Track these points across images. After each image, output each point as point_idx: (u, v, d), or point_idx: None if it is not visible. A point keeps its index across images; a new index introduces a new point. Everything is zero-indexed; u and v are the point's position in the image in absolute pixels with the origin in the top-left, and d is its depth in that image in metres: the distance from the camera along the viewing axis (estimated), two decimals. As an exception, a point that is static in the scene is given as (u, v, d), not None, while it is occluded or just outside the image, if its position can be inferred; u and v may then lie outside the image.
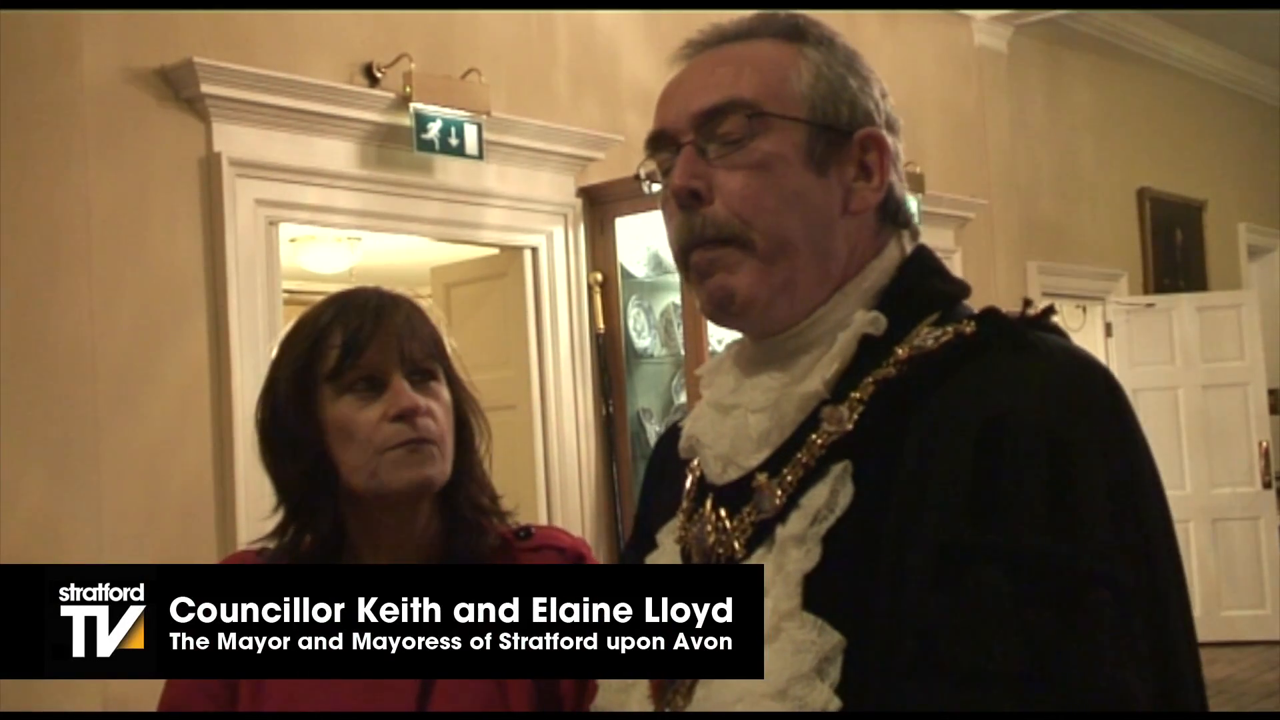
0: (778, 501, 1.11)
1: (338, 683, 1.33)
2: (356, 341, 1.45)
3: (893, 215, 1.21)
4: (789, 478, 1.11)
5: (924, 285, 1.18)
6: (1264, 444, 7.69)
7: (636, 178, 1.25)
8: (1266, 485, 7.70)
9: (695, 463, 1.24)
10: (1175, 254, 8.38)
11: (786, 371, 1.16)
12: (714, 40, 1.22)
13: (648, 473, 1.43)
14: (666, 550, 1.23)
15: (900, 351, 1.12)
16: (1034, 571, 0.97)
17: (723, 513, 1.16)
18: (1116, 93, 8.06)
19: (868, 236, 1.19)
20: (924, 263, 1.21)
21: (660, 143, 1.20)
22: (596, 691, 1.25)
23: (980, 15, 6.81)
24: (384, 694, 1.38)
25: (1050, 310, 1.12)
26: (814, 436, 1.11)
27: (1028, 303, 1.13)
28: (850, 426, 1.10)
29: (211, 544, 3.54)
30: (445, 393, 1.50)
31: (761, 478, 1.13)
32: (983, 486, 1.00)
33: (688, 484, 1.25)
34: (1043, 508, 0.98)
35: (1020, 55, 7.21)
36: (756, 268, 1.14)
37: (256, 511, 3.58)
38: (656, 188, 1.22)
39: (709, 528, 1.17)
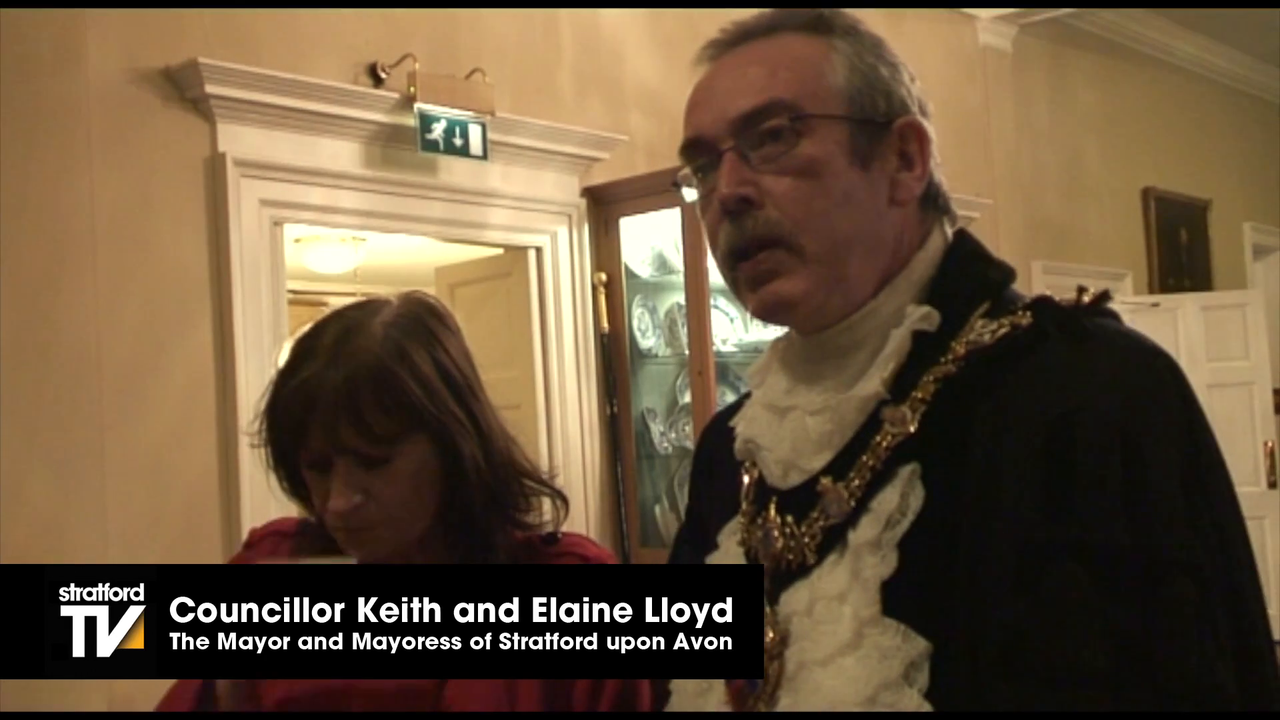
0: (847, 506, 1.10)
1: (360, 681, 1.32)
2: (291, 437, 1.39)
3: (934, 201, 1.20)
4: (855, 481, 1.10)
5: (971, 273, 1.18)
6: (1269, 444, 7.67)
7: (674, 184, 1.22)
8: (1272, 485, 7.68)
9: (749, 463, 1.23)
10: (1180, 253, 8.36)
11: (841, 371, 1.15)
12: (737, 39, 1.20)
13: (695, 466, 1.42)
14: (729, 552, 1.22)
15: (957, 347, 1.11)
16: (1114, 565, 0.96)
17: (789, 518, 1.14)
18: (1121, 92, 8.04)
19: (913, 225, 1.18)
20: (968, 248, 1.20)
21: (697, 149, 1.18)
22: (648, 692, 1.26)
23: (984, 14, 6.80)
24: (409, 692, 1.36)
25: (1106, 295, 1.11)
26: (878, 438, 1.10)
27: (1082, 289, 1.12)
28: (914, 427, 1.09)
29: (216, 544, 3.55)
30: (403, 462, 1.39)
31: (826, 481, 1.12)
32: (1057, 484, 1.00)
33: (745, 483, 1.23)
34: (1118, 501, 0.98)
35: (1025, 54, 7.19)
36: (808, 271, 1.13)
37: (261, 512, 3.59)
38: (691, 193, 1.20)
39: (775, 533, 1.15)
